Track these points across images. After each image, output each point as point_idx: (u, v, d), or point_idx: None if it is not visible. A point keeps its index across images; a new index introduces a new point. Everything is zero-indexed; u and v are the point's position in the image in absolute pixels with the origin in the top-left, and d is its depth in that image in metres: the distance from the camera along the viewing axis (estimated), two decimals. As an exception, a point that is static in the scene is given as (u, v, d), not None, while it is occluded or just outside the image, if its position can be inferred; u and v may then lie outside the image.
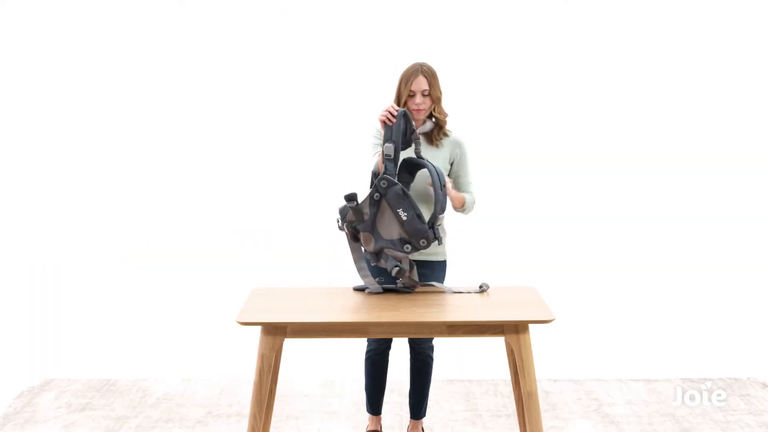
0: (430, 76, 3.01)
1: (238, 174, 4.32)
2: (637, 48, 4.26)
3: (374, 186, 2.87)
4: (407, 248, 2.85)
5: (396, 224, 2.85)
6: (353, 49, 4.25)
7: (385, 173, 2.87)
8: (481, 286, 2.98)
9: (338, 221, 2.95)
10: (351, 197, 2.89)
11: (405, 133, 2.91)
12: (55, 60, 4.25)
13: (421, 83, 2.99)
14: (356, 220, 2.90)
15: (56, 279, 4.31)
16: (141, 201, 4.32)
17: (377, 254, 2.90)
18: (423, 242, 2.84)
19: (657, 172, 4.31)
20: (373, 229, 2.88)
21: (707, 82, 4.27)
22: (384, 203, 2.85)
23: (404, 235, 2.85)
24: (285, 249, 4.29)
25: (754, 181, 4.31)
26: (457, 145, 3.12)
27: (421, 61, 3.06)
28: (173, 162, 4.31)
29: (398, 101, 3.05)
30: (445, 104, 3.14)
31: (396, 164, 2.91)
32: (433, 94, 3.02)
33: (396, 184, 2.84)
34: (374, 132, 3.11)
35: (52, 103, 4.28)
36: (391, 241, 2.86)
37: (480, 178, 4.03)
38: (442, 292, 2.98)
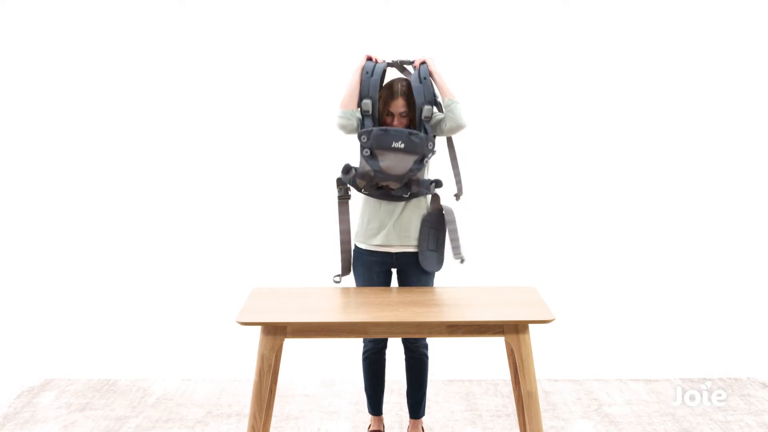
0: (407, 95, 3.02)
1: (239, 174, 4.32)
2: (638, 48, 4.25)
3: (360, 145, 2.96)
4: (426, 160, 2.97)
5: (402, 155, 2.92)
6: (355, 51, 4.24)
7: (362, 129, 2.98)
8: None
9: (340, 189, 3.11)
10: (347, 169, 3.00)
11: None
12: (55, 60, 4.25)
13: (398, 106, 3.02)
14: (367, 182, 2.98)
15: (56, 279, 4.31)
16: (141, 201, 4.31)
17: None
18: (430, 145, 2.95)
19: (657, 172, 4.30)
20: (387, 176, 2.95)
21: (707, 82, 4.27)
22: (377, 151, 2.94)
23: (414, 156, 2.93)
24: (285, 249, 4.30)
25: (754, 181, 4.31)
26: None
27: (399, 77, 3.10)
28: (173, 162, 4.31)
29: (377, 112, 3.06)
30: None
31: (374, 120, 3.00)
32: (411, 113, 3.02)
33: (372, 129, 2.93)
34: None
35: (53, 103, 4.28)
36: (410, 170, 2.94)
37: (480, 178, 4.04)
38: (444, 292, 2.99)
